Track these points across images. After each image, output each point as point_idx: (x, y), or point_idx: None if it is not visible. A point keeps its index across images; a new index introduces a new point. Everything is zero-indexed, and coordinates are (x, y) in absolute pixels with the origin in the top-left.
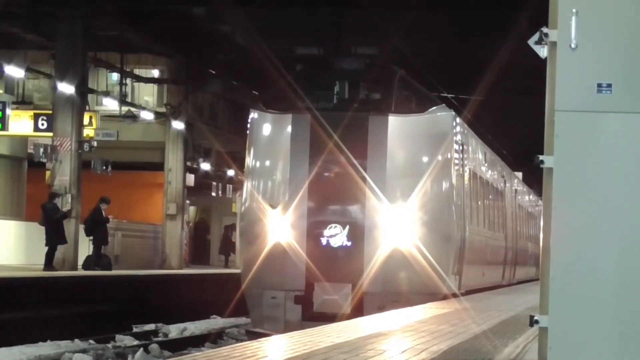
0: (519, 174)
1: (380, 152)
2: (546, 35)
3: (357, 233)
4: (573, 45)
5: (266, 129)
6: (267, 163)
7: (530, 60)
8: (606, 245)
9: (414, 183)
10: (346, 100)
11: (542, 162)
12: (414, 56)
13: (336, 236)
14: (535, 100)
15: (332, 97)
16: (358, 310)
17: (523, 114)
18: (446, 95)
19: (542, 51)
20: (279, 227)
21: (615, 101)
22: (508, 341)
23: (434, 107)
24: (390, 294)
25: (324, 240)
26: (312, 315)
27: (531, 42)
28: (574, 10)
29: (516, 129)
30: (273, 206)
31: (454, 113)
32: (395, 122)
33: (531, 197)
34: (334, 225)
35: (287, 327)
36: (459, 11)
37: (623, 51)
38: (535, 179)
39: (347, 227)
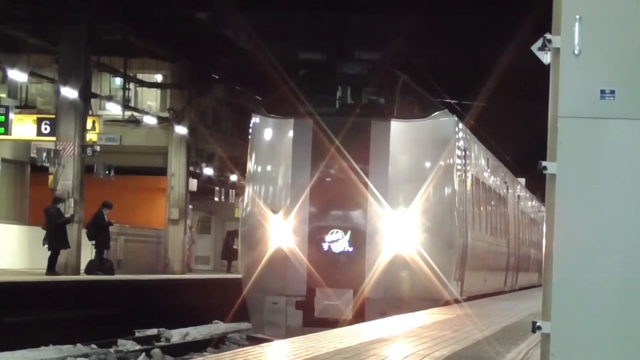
0: (522, 180)
1: (383, 157)
2: (549, 41)
3: (359, 238)
4: (576, 52)
5: (268, 133)
6: (269, 168)
7: (533, 66)
8: (609, 252)
9: (416, 188)
10: (348, 105)
11: (545, 168)
12: (417, 61)
13: (338, 241)
14: (539, 105)
15: (334, 102)
16: (359, 316)
17: (526, 119)
18: (449, 100)
19: (546, 57)
20: (281, 232)
21: (619, 107)
22: (510, 347)
23: (436, 113)
24: (392, 299)
25: (325, 246)
26: (313, 320)
27: (534, 48)
28: (577, 17)
29: (519, 135)
30: (274, 211)
31: (456, 118)
32: (397, 127)
33: (534, 203)
34: (335, 230)
35: (288, 333)
36: (463, 16)
37: (627, 57)
38: (538, 185)
39: (349, 232)
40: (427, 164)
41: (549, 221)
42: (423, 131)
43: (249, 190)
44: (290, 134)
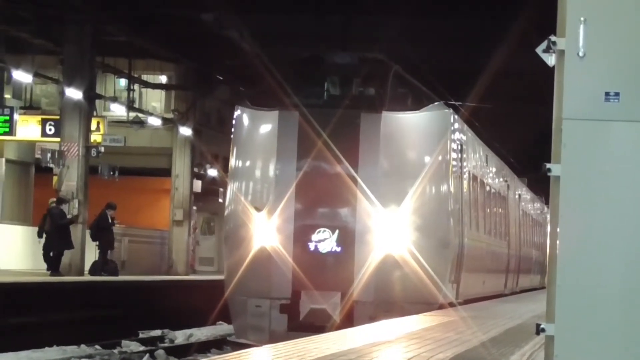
0: (524, 180)
1: (373, 151)
2: (554, 43)
3: (348, 238)
4: (581, 54)
5: (251, 126)
6: (252, 163)
7: (537, 67)
8: (613, 254)
9: (408, 185)
10: (337, 97)
11: (549, 170)
12: (421, 63)
13: (325, 241)
14: (543, 106)
15: (322, 93)
16: (348, 321)
17: (529, 120)
18: (454, 102)
19: (550, 59)
20: (264, 231)
21: (623, 110)
22: (514, 349)
23: (430, 105)
24: (383, 303)
25: (312, 246)
26: (299, 325)
27: (539, 50)
28: (582, 19)
29: (522, 135)
30: (258, 209)
31: (451, 111)
32: (388, 120)
33: (536, 202)
34: (322, 229)
35: (272, 338)
36: (465, 18)
37: (631, 60)
38: (540, 185)
39: (337, 231)
40: (420, 159)
41: (553, 223)
42: (416, 124)
43: (231, 187)
44: (275, 126)
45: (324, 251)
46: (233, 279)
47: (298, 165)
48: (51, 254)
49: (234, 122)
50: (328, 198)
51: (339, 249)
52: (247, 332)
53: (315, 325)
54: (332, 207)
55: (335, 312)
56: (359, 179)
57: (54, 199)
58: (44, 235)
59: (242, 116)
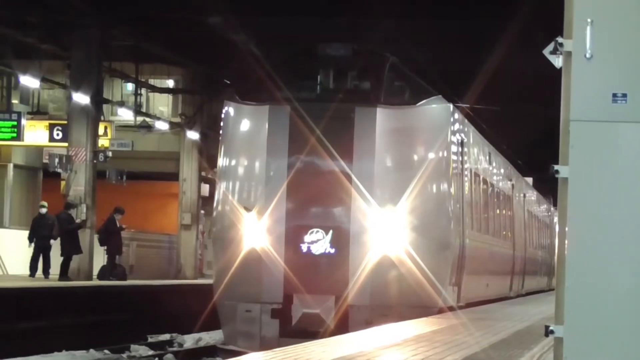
0: (529, 179)
1: (368, 148)
2: (561, 45)
3: (342, 239)
4: (588, 55)
5: (241, 122)
6: (242, 161)
7: (541, 67)
8: (622, 255)
9: (405, 183)
10: (330, 90)
11: (557, 172)
12: (425, 63)
13: (318, 242)
14: (546, 105)
15: (314, 87)
16: (342, 326)
17: (534, 119)
18: (461, 105)
19: (557, 61)
20: (255, 232)
21: (631, 111)
22: (523, 351)
23: (428, 99)
24: (379, 307)
25: (304, 247)
26: (291, 331)
27: (546, 51)
28: (589, 20)
29: (527, 135)
30: (248, 209)
31: (451, 105)
32: (384, 115)
33: (542, 202)
34: (315, 230)
35: (263, 344)
36: (470, 20)
37: (638, 61)
38: (546, 186)
39: (331, 232)
40: (418, 156)
41: (562, 224)
42: (413, 119)
43: (220, 187)
44: (266, 122)
45: (317, 253)
46: (222, 283)
47: (289, 162)
48: (41, 256)
49: (222, 118)
50: (321, 197)
51: (332, 251)
52: (237, 338)
53: (308, 330)
54: (326, 206)
55: (329, 317)
56: (353, 177)
57: (44, 203)
58: (39, 239)
59: (231, 111)
